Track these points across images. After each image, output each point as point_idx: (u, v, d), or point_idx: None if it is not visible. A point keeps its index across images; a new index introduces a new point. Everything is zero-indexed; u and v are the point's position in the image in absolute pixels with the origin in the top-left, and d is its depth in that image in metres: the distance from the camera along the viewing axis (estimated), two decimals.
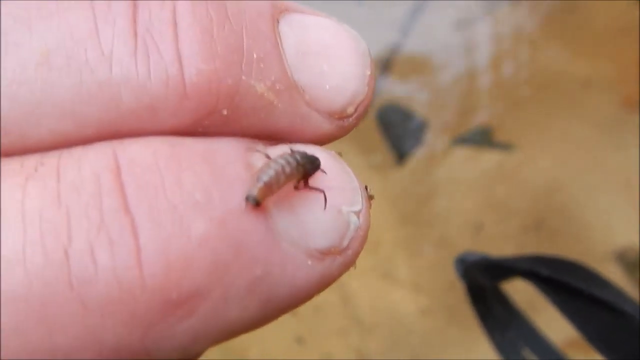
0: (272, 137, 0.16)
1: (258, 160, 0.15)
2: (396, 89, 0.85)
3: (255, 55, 0.15)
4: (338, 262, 0.15)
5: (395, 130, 0.85)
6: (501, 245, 0.75)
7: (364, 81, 0.17)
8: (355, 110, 0.17)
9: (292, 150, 0.16)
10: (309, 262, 0.15)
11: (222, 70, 0.14)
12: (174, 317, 0.13)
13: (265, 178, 0.15)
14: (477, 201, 0.78)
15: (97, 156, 0.13)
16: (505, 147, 0.80)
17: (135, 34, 0.14)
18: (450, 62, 0.83)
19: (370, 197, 0.17)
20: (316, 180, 0.16)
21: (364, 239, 0.16)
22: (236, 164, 0.14)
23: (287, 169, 0.15)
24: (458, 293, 0.75)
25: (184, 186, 0.13)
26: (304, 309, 0.77)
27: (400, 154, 0.84)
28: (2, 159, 0.13)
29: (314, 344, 0.71)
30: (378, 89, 0.85)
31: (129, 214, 0.13)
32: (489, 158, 0.79)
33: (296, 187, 0.16)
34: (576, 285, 0.37)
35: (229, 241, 0.13)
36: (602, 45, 0.77)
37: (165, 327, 0.13)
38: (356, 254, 0.16)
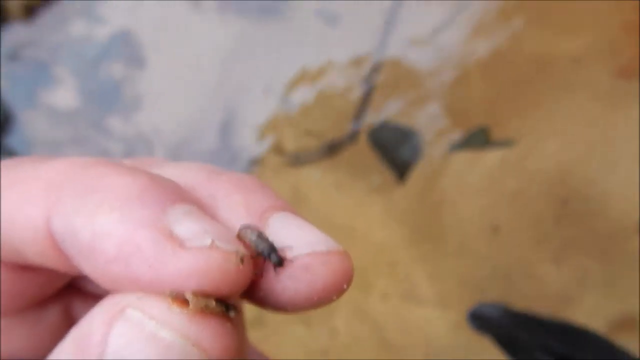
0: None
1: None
2: (383, 106, 0.83)
3: None
4: None
5: (390, 147, 0.83)
6: (522, 242, 0.71)
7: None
8: None
9: None
10: None
11: None
12: None
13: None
14: (488, 202, 0.75)
15: None
16: (506, 143, 0.77)
17: None
18: (432, 68, 0.82)
19: None
20: None
21: None
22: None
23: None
24: (487, 300, 0.70)
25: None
26: (333, 347, 0.72)
27: (400, 171, 0.81)
28: None
29: None
30: (364, 110, 0.83)
31: None
32: (491, 155, 0.76)
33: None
34: None
35: None
36: (583, 17, 0.76)
37: None
38: None
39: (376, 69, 0.84)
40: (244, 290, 0.22)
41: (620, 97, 0.71)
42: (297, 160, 0.87)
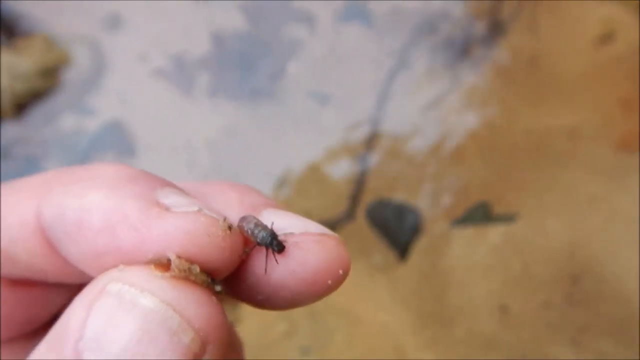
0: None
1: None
2: (379, 184, 0.82)
3: None
4: None
5: (388, 225, 0.81)
6: (532, 323, 0.68)
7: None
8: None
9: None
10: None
11: None
12: None
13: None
14: (495, 281, 0.72)
15: None
16: (508, 218, 0.76)
17: None
18: (427, 145, 0.81)
19: None
20: None
21: None
22: None
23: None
24: None
25: None
26: None
27: (401, 249, 0.79)
28: None
29: None
30: (363, 186, 0.82)
31: None
32: (494, 232, 0.74)
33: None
34: None
35: None
36: (576, 93, 0.76)
37: None
38: None
39: (371, 146, 0.83)
40: (232, 280, 0.21)
41: (621, 170, 0.71)
42: None
